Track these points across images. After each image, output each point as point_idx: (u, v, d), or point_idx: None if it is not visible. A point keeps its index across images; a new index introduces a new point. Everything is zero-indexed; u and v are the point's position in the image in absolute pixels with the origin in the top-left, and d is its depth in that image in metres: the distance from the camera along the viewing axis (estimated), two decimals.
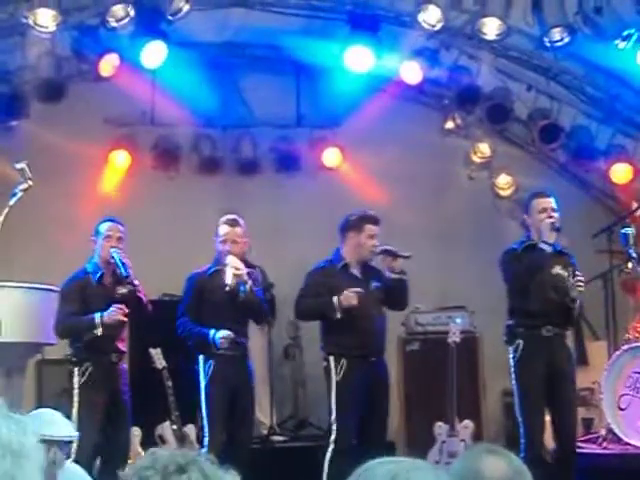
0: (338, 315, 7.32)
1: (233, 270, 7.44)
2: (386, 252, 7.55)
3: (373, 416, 7.47)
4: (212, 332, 7.49)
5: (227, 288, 7.41)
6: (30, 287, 7.64)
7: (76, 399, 7.19)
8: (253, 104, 10.86)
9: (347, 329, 7.40)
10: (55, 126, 9.84)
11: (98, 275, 7.45)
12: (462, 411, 8.79)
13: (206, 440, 7.52)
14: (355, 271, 7.65)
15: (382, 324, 7.71)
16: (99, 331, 7.21)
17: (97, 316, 7.22)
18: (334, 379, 7.40)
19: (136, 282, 7.41)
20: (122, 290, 7.40)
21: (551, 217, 7.20)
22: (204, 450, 7.48)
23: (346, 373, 7.37)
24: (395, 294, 7.66)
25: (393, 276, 7.58)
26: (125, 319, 7.34)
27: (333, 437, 7.34)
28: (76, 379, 7.28)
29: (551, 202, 7.28)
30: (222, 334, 7.45)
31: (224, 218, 7.70)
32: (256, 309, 7.76)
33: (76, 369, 7.31)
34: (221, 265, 7.59)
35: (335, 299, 7.31)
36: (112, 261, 7.36)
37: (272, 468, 8.95)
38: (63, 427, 5.09)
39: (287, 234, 10.51)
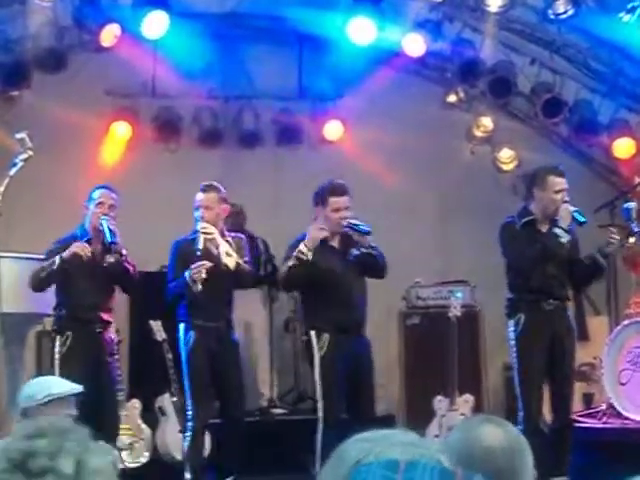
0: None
1: (203, 235, 7.33)
2: (349, 227, 7.29)
3: (359, 391, 7.36)
4: (186, 272, 7.28)
5: (198, 253, 7.29)
6: (30, 258, 7.66)
7: (57, 369, 7.11)
8: (255, 76, 10.80)
9: (327, 302, 7.23)
10: (56, 97, 9.78)
11: (84, 240, 7.33)
12: (462, 385, 8.81)
13: (190, 414, 7.40)
14: (333, 243, 7.42)
15: (362, 297, 7.52)
16: (57, 264, 7.11)
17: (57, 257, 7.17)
18: (317, 354, 7.25)
19: (124, 251, 7.33)
20: (110, 259, 7.31)
21: (567, 201, 7.11)
22: (189, 425, 7.40)
23: (329, 348, 7.22)
24: (366, 268, 7.44)
25: (357, 252, 7.35)
26: (84, 254, 7.20)
27: (321, 414, 7.20)
28: (57, 349, 7.20)
29: (565, 182, 7.19)
30: (194, 265, 7.26)
31: (200, 184, 7.61)
32: (238, 272, 7.52)
33: (57, 337, 7.24)
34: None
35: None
36: (100, 228, 7.25)
37: (272, 440, 8.97)
38: (68, 384, 5.26)
39: (288, 207, 10.47)
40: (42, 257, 7.36)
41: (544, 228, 7.23)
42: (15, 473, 1.80)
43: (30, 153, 6.94)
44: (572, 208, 7.12)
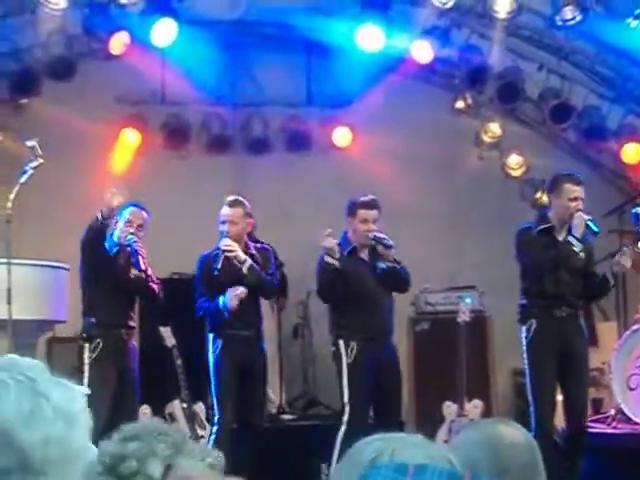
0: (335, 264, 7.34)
1: (227, 253, 7.44)
2: (375, 239, 7.51)
3: (385, 397, 7.50)
4: (220, 299, 7.46)
5: (215, 272, 7.42)
6: (41, 264, 7.68)
7: (86, 375, 7.22)
8: (263, 83, 10.83)
9: (355, 312, 7.42)
10: (66, 104, 9.83)
11: (114, 251, 7.42)
12: (471, 391, 8.80)
13: (216, 419, 7.52)
14: (363, 254, 7.65)
15: (390, 306, 7.72)
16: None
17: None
18: (345, 362, 7.41)
19: (149, 272, 7.45)
20: (135, 272, 7.44)
21: (580, 210, 7.10)
22: (214, 429, 7.50)
23: (356, 355, 7.38)
24: (389, 282, 7.62)
25: (383, 265, 7.54)
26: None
27: (346, 418, 7.34)
28: (86, 355, 7.31)
29: (582, 191, 7.18)
30: (229, 292, 7.40)
31: (226, 199, 7.69)
32: (260, 287, 7.67)
33: (87, 345, 7.34)
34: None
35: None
36: (128, 249, 7.37)
37: (281, 446, 8.98)
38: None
39: (297, 214, 10.50)
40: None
41: (560, 236, 7.22)
42: (108, 476, 1.82)
43: (41, 161, 6.96)
44: (586, 217, 7.10)
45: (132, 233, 7.36)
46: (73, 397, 1.95)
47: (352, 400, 7.37)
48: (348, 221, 7.63)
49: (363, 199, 7.60)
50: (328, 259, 7.40)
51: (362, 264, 7.60)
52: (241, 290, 7.40)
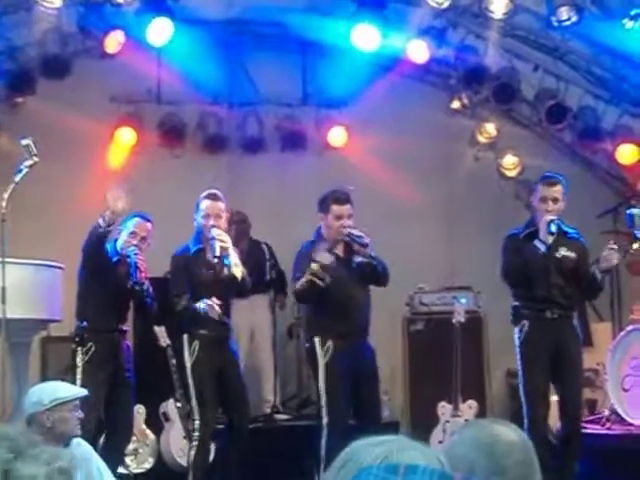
0: (326, 280, 7.13)
1: (219, 242, 7.31)
2: (350, 237, 7.27)
3: (364, 397, 7.33)
4: (198, 304, 7.23)
5: (215, 260, 7.27)
6: (35, 264, 7.67)
7: (79, 376, 7.19)
8: (259, 82, 10.83)
9: (330, 309, 7.23)
10: (61, 103, 9.81)
11: (115, 260, 7.41)
12: (466, 391, 8.81)
13: (197, 423, 7.32)
14: (337, 250, 7.36)
15: (366, 304, 7.49)
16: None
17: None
18: (321, 362, 7.22)
19: (146, 286, 7.40)
20: (131, 283, 7.40)
21: (549, 211, 7.06)
22: (196, 434, 7.37)
23: (333, 355, 7.19)
24: (368, 277, 7.42)
25: (358, 259, 7.34)
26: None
27: (325, 421, 7.15)
28: (79, 358, 7.27)
29: (555, 191, 7.11)
30: (207, 304, 7.18)
31: (204, 193, 7.50)
32: (239, 284, 7.48)
33: (79, 348, 7.31)
34: (205, 242, 7.44)
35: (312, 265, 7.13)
36: (128, 260, 7.32)
37: (275, 446, 8.98)
38: (72, 388, 5.30)
39: (292, 213, 10.49)
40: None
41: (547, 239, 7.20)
42: None
43: (35, 159, 6.94)
44: (549, 218, 7.04)
45: (135, 245, 7.32)
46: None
47: (329, 403, 7.17)
48: (320, 217, 7.39)
49: (335, 195, 7.39)
50: (315, 279, 7.12)
51: (338, 261, 7.31)
52: (216, 306, 7.23)
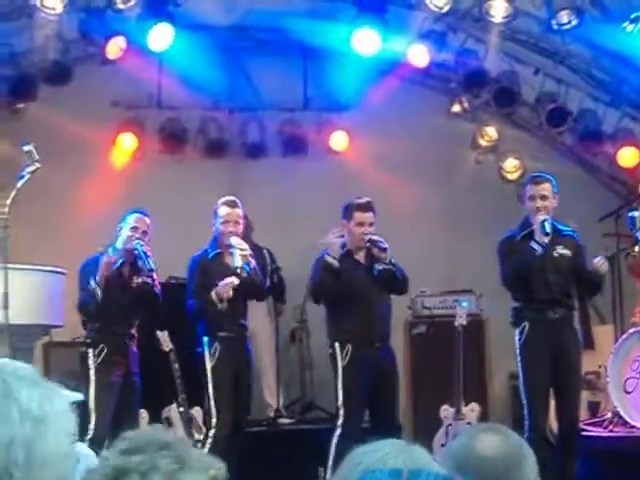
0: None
1: (239, 251, 7.47)
2: (370, 242, 7.57)
3: (381, 402, 7.51)
4: (212, 293, 7.43)
5: (237, 270, 7.44)
6: (37, 269, 7.67)
7: (93, 379, 7.27)
8: (260, 87, 10.84)
9: (351, 315, 7.45)
10: (62, 109, 9.84)
11: (119, 263, 7.46)
12: (468, 394, 8.81)
13: (213, 422, 7.48)
14: (358, 257, 7.69)
15: (386, 309, 7.74)
16: (98, 294, 7.27)
17: (92, 281, 7.31)
18: (340, 364, 7.44)
19: (155, 276, 7.51)
20: (137, 280, 7.49)
21: (538, 208, 7.09)
22: (212, 433, 7.48)
23: (352, 358, 7.41)
24: (386, 284, 7.66)
25: (380, 267, 7.59)
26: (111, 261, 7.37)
27: (340, 421, 7.38)
28: (91, 360, 7.35)
29: (542, 189, 7.15)
30: (221, 284, 7.39)
31: (223, 200, 7.73)
32: (258, 287, 7.78)
33: (90, 350, 7.37)
34: (224, 247, 7.62)
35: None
36: (135, 252, 7.39)
37: (279, 450, 8.99)
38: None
39: (294, 218, 10.51)
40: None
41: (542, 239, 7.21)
42: None
43: (37, 165, 6.96)
44: (541, 217, 7.08)
45: (138, 238, 7.40)
46: (48, 400, 1.91)
47: (346, 403, 7.38)
48: (344, 224, 7.66)
49: (359, 202, 7.64)
50: (329, 258, 7.43)
51: (358, 266, 7.64)
52: (232, 279, 7.40)
